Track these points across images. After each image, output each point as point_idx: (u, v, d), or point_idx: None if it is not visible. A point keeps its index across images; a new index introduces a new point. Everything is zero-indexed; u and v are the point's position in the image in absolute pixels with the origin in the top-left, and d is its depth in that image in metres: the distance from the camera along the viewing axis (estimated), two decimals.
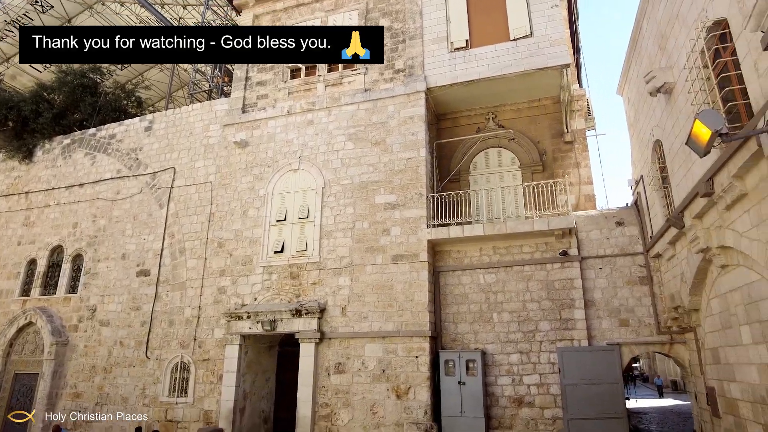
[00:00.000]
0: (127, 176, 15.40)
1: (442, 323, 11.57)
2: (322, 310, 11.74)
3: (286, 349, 13.04)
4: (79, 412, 13.21)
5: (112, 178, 15.60)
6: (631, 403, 19.74)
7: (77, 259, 15.08)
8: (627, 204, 12.25)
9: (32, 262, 15.61)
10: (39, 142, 17.43)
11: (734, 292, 7.05)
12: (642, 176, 11.07)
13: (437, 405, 10.65)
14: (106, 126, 16.61)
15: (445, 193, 12.26)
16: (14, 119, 17.91)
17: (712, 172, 6.64)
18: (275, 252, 12.67)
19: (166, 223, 14.17)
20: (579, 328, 10.58)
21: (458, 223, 11.81)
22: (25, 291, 15.36)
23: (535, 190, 11.87)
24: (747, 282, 6.57)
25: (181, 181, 14.53)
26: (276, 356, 13.34)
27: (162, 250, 13.91)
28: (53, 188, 16.35)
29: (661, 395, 25.15)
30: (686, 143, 6.02)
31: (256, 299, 12.42)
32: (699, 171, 7.32)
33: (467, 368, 10.66)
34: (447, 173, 13.51)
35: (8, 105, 17.83)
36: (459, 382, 10.56)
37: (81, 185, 15.95)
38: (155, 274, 13.72)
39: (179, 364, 12.62)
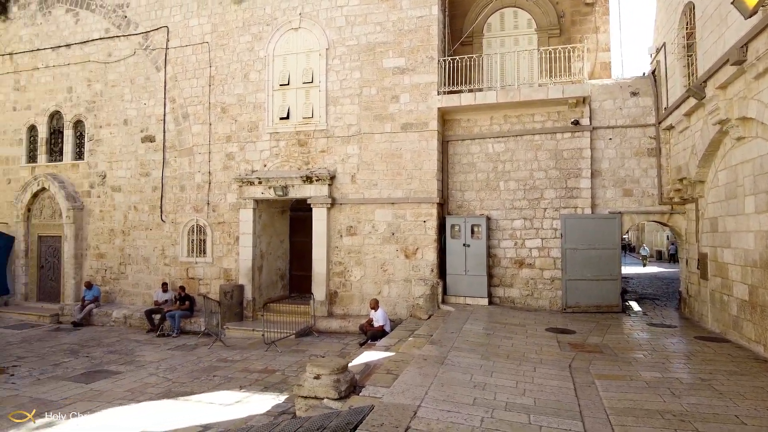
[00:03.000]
0: (117, 36, 14.43)
1: (449, 191, 11.91)
2: (332, 178, 11.96)
3: (298, 213, 13.54)
4: (105, 270, 14.14)
5: (101, 38, 14.63)
6: None
7: (78, 125, 14.82)
8: (644, 74, 11.86)
9: (32, 129, 15.35)
10: None
11: (745, 163, 7.21)
12: (664, 44, 10.55)
13: (442, 264, 11.46)
14: None
15: (457, 57, 11.73)
16: None
17: (749, 38, 6.39)
18: (281, 118, 12.50)
19: (165, 87, 13.68)
20: (583, 197, 10.96)
21: (470, 90, 11.51)
22: (31, 158, 15.36)
23: (551, 55, 11.37)
24: (761, 153, 6.70)
25: (176, 41, 13.69)
26: (288, 220, 13.89)
27: (164, 115, 13.64)
28: (38, 49, 15.39)
29: (644, 265, 26.76)
30: (732, 2, 5.68)
31: (265, 165, 12.55)
32: (732, 37, 7.01)
33: (472, 232, 11.25)
34: (459, 35, 12.77)
35: None
36: (464, 244, 11.24)
37: (68, 46, 15.01)
38: (161, 140, 13.64)
39: (195, 227, 13.18)
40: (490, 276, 11.32)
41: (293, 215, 13.87)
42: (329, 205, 11.92)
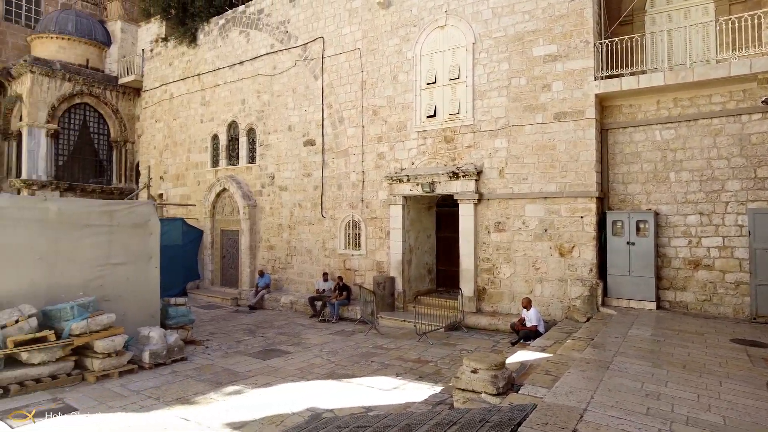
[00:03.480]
0: (280, 50, 16.06)
1: (610, 183, 11.06)
2: (479, 173, 11.89)
3: (444, 209, 13.74)
4: (275, 260, 15.92)
5: (267, 54, 16.43)
6: None
7: (251, 132, 16.85)
8: None
9: (215, 137, 17.86)
10: (199, 26, 18.70)
11: None
12: None
13: (602, 264, 10.70)
14: (252, 1, 17.07)
15: (615, 39, 10.81)
16: (175, 6, 19.23)
17: None
18: (428, 117, 12.77)
19: (322, 94, 14.87)
20: None
21: (631, 74, 10.53)
22: (214, 162, 17.89)
23: (735, 25, 9.86)
24: None
25: (331, 50, 14.78)
26: (434, 216, 14.18)
27: (323, 120, 14.84)
28: (218, 68, 17.82)
29: None
30: None
31: (413, 163, 12.96)
32: None
33: (638, 229, 10.31)
34: (617, 15, 11.75)
35: None
36: (628, 243, 10.35)
37: (241, 63, 17.12)
38: (320, 143, 14.87)
39: (351, 222, 14.16)
40: (658, 278, 10.27)
41: (439, 211, 14.11)
42: (476, 201, 11.88)
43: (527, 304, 9.98)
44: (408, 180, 12.78)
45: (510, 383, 5.77)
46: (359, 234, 14.01)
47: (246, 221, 16.35)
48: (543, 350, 7.53)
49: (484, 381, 5.58)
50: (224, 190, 17.09)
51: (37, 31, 21.16)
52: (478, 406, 5.37)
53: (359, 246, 13.99)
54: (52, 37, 20.77)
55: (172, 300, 10.41)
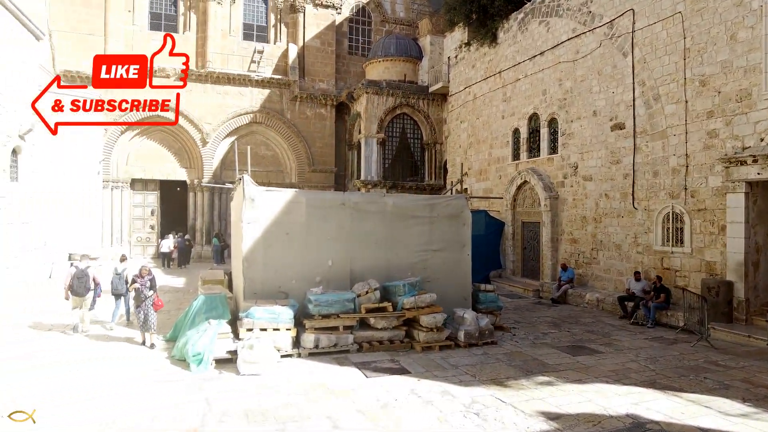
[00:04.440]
0: (583, 33, 15.16)
1: None
2: None
3: None
4: (578, 254, 15.22)
5: (568, 39, 15.75)
6: None
7: (552, 123, 16.51)
8: None
9: (516, 131, 18.20)
10: (499, 24, 19.34)
11: None
12: None
13: None
14: None
15: None
16: (476, 10, 20.40)
17: None
18: None
19: (633, 72, 13.36)
20: None
21: None
22: (515, 156, 18.26)
23: None
24: None
25: (643, 21, 13.11)
26: None
27: (633, 100, 13.34)
28: (518, 63, 18.05)
29: None
30: None
31: (762, 140, 10.34)
32: None
33: None
34: None
35: (470, 0, 20.36)
36: None
37: (541, 54, 16.91)
38: (630, 126, 13.43)
39: (670, 214, 12.32)
40: None
41: None
42: None
43: None
44: (755, 161, 10.27)
45: None
46: (681, 228, 12.04)
47: (547, 213, 16.13)
48: None
49: None
50: (525, 182, 17.27)
51: (368, 58, 25.76)
52: None
53: (681, 242, 12.03)
54: (379, 61, 24.94)
55: (482, 286, 11.14)
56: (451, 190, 14.73)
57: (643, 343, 10.06)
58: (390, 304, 9.32)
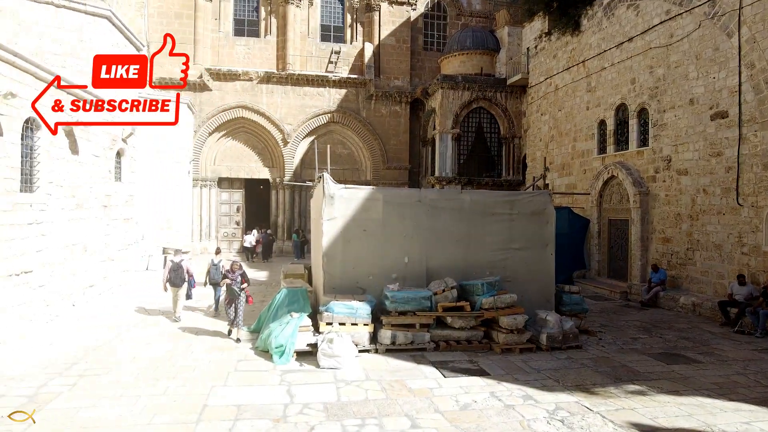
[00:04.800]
0: (678, 14, 13.95)
1: None
2: None
3: None
4: (671, 255, 14.09)
5: (661, 22, 14.57)
6: None
7: (642, 113, 15.38)
8: None
9: (601, 123, 17.17)
10: (582, 12, 18.31)
11: None
12: None
13: None
14: None
15: None
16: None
17: None
18: None
19: (739, 54, 12.10)
20: None
21: None
22: (601, 149, 17.24)
23: None
24: None
25: None
26: None
27: (739, 85, 12.07)
28: (604, 51, 16.99)
29: None
30: None
31: None
32: None
33: None
34: None
35: None
36: None
37: (630, 40, 15.79)
38: (734, 114, 12.18)
39: None
40: None
41: None
42: None
43: None
44: None
45: None
46: None
47: (636, 210, 15.06)
48: None
49: None
50: (612, 177, 16.24)
51: (444, 53, 25.46)
52: None
53: None
54: (455, 55, 24.57)
55: (566, 287, 10.62)
56: (533, 185, 14.18)
57: (752, 355, 9.12)
58: (467, 303, 9.13)
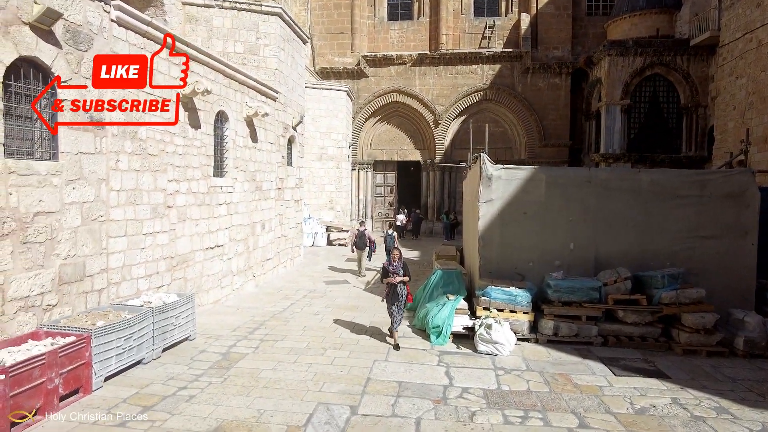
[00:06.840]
0: None
1: None
2: None
3: None
4: None
5: None
6: None
7: None
8: None
9: None
10: None
11: None
12: None
13: None
14: None
15: None
16: None
17: None
18: None
19: None
20: None
21: None
22: None
23: None
24: None
25: None
26: None
27: None
28: None
29: None
30: None
31: None
32: None
33: None
34: None
35: None
36: None
37: None
38: None
39: None
40: None
41: None
42: None
43: None
44: None
45: None
46: None
47: None
48: None
49: None
50: None
51: (611, 16, 22.87)
52: None
53: None
54: (624, 18, 21.92)
55: None
56: (728, 163, 12.09)
57: None
58: (643, 296, 8.17)
